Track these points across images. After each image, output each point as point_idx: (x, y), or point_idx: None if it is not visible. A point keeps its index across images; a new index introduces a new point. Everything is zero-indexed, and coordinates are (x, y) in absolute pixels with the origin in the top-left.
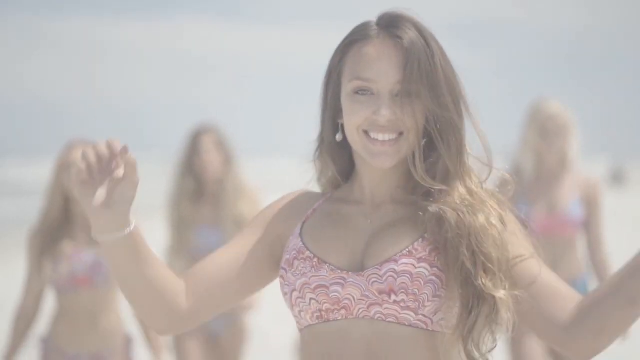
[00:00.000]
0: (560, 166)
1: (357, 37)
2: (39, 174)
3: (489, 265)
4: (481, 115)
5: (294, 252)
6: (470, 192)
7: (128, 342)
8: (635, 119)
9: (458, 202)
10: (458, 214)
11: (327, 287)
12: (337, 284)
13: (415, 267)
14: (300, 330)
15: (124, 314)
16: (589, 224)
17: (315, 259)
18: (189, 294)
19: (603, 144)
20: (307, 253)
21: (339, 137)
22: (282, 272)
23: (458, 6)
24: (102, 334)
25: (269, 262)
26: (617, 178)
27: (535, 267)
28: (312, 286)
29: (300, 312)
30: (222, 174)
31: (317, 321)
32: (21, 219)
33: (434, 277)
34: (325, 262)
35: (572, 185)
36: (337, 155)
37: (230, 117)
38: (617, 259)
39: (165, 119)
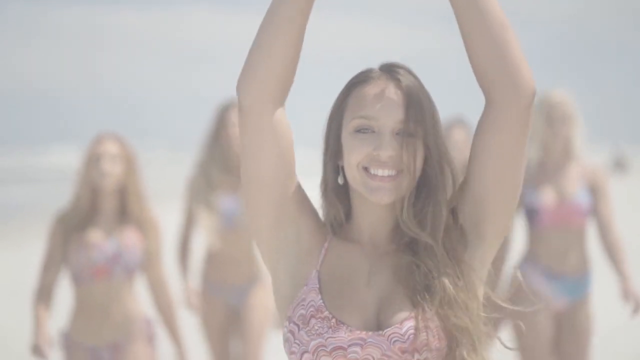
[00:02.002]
0: (565, 155)
1: (358, 80)
2: (36, 163)
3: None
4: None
5: (312, 309)
6: (448, 249)
7: (148, 326)
8: (636, 105)
9: (440, 266)
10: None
11: (345, 349)
12: (356, 344)
13: (432, 322)
14: None
15: (143, 300)
16: (598, 210)
17: (333, 320)
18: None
19: (604, 132)
20: (326, 312)
21: (340, 179)
22: (292, 327)
23: None
24: (116, 324)
25: (284, 202)
26: (620, 165)
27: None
28: (329, 348)
29: None
30: None
31: None
32: (23, 206)
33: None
34: (343, 323)
35: (578, 174)
36: (342, 198)
37: None
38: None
39: (164, 108)
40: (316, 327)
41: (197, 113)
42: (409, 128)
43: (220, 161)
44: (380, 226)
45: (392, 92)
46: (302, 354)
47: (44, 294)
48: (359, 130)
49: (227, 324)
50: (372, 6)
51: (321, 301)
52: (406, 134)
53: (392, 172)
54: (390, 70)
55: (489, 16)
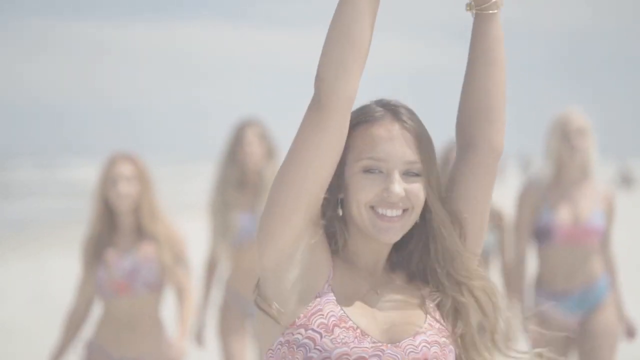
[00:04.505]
0: (582, 171)
1: (363, 119)
2: (45, 177)
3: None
4: None
5: (334, 318)
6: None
7: (170, 346)
8: None
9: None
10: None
11: (366, 359)
12: (376, 355)
13: (439, 337)
14: None
15: (165, 320)
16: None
17: (359, 330)
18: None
19: (611, 146)
20: (350, 323)
21: (340, 212)
22: (311, 334)
23: (456, 6)
24: (143, 339)
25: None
26: (626, 180)
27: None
28: (352, 357)
29: None
30: (262, 165)
31: None
32: (34, 219)
33: (452, 347)
34: (367, 335)
35: (594, 195)
36: (339, 226)
37: (230, 119)
38: (629, 260)
39: (165, 121)
40: (341, 336)
41: (199, 126)
42: (416, 169)
43: (236, 179)
44: (378, 258)
45: (399, 134)
46: None
47: (76, 315)
48: (368, 171)
49: (245, 334)
50: (377, 21)
51: (342, 311)
52: (413, 174)
53: (399, 212)
54: (394, 111)
55: (498, 76)
